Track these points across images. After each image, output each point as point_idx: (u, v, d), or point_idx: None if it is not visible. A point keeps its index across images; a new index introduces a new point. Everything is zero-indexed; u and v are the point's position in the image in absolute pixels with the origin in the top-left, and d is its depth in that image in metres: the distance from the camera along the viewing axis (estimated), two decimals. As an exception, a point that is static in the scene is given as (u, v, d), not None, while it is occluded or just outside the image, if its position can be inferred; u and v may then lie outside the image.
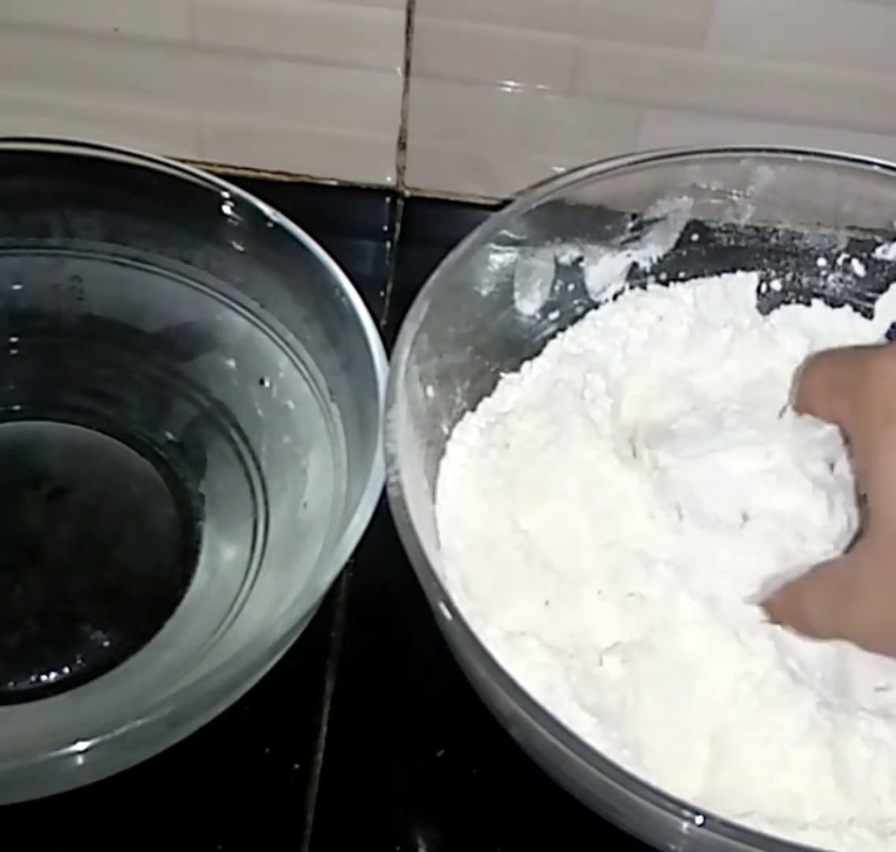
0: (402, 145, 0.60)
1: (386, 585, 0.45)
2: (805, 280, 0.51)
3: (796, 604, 0.40)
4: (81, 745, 0.35)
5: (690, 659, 0.41)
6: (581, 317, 0.50)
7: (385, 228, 0.61)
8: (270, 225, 0.48)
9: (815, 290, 0.51)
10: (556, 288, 0.50)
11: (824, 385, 0.41)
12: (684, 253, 0.51)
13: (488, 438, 0.46)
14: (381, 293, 0.58)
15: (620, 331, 0.50)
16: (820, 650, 0.41)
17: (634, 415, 0.48)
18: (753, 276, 0.51)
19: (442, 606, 0.36)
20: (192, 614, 0.47)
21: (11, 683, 0.45)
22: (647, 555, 0.43)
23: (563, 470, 0.45)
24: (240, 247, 0.49)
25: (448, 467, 0.45)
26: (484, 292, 0.47)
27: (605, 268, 0.50)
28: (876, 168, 0.48)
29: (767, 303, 0.51)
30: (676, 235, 0.50)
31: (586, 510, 0.44)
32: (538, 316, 0.50)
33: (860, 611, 0.37)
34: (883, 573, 0.37)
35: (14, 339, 0.52)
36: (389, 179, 0.62)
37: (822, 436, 0.43)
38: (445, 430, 0.46)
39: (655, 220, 0.50)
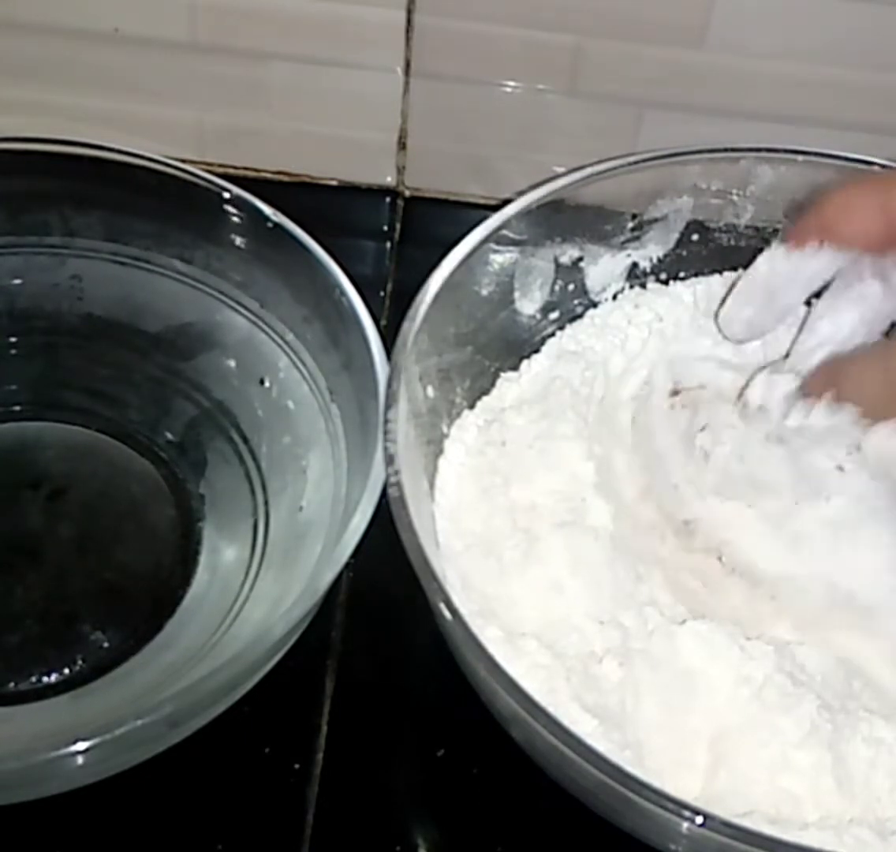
0: (402, 145, 0.60)
1: (386, 585, 0.45)
2: (805, 280, 0.51)
3: (842, 376, 0.42)
4: (81, 745, 0.35)
5: (690, 663, 0.40)
6: (581, 316, 0.50)
7: (385, 228, 0.61)
8: (270, 225, 0.48)
9: (816, 290, 0.51)
10: (556, 288, 0.50)
11: (860, 207, 0.42)
12: (684, 253, 0.51)
13: (486, 436, 0.46)
14: (381, 293, 0.58)
15: (620, 329, 0.50)
16: (820, 653, 0.41)
17: (627, 413, 0.49)
18: (754, 276, 0.51)
19: (442, 606, 0.36)
20: (192, 614, 0.47)
21: (12, 684, 0.45)
22: (641, 556, 0.43)
23: (551, 464, 0.45)
24: (240, 247, 0.49)
25: (447, 466, 0.45)
26: (484, 292, 0.47)
27: (605, 268, 0.50)
28: (876, 168, 0.48)
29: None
30: (676, 235, 0.50)
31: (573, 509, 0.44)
32: (538, 316, 0.50)
33: None
34: None
35: (14, 339, 0.52)
36: (389, 179, 0.62)
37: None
38: (445, 430, 0.46)
39: (655, 220, 0.50)
